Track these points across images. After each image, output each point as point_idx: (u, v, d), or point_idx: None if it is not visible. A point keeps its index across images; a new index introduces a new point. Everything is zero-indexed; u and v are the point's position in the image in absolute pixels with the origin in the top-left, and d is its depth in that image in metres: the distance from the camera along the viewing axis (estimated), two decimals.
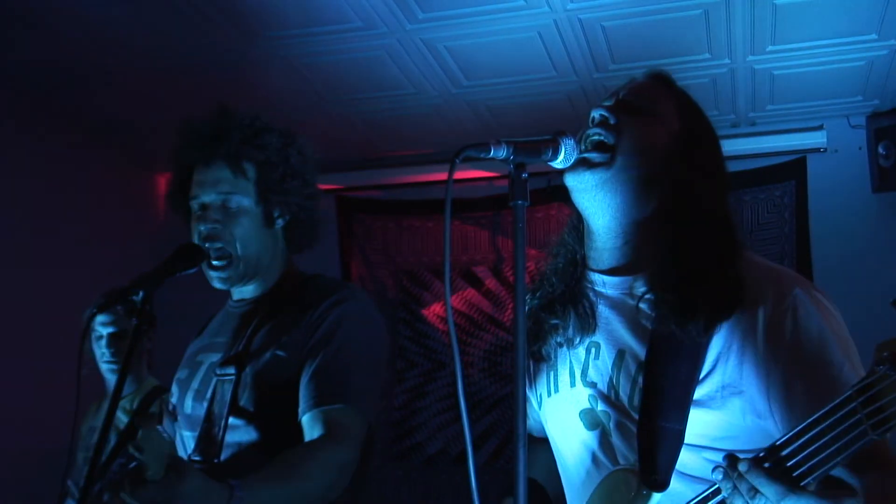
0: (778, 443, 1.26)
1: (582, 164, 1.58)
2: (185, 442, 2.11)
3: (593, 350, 1.65)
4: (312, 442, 1.90)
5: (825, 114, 4.50)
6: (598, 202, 1.62)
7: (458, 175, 1.26)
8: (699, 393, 1.49)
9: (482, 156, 1.37)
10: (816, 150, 4.52)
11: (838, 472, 1.28)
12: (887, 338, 1.15)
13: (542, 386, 1.75)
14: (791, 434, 1.24)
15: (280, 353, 2.03)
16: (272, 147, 2.17)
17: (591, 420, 1.63)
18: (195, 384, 2.14)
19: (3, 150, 4.27)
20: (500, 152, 1.37)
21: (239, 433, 2.01)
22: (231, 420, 2.00)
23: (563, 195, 1.69)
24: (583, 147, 1.58)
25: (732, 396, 1.48)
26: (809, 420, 1.22)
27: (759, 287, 1.50)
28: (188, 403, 2.13)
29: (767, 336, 1.46)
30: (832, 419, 1.18)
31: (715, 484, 1.36)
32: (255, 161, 2.14)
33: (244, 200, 2.12)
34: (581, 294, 1.69)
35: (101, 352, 3.49)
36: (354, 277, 5.17)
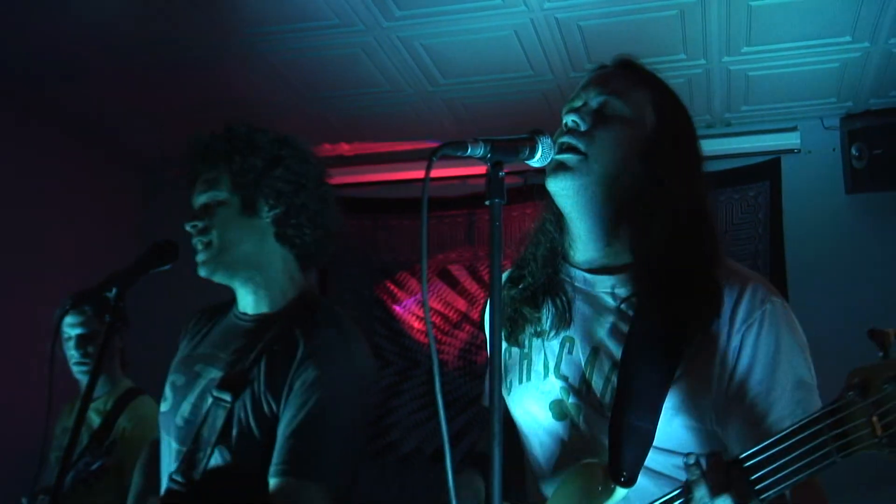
0: (741, 456, 1.29)
1: (560, 168, 1.58)
2: (171, 452, 2.12)
3: (567, 344, 1.66)
4: None
5: (799, 115, 4.53)
6: (579, 206, 1.62)
7: (435, 173, 1.25)
8: (671, 397, 1.51)
9: (459, 154, 1.37)
10: (790, 151, 4.55)
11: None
12: (862, 363, 1.18)
13: (513, 372, 1.75)
14: (756, 448, 1.27)
15: (269, 398, 2.03)
16: (239, 136, 2.20)
17: (559, 411, 1.64)
18: (192, 397, 2.13)
19: None
20: (478, 151, 1.37)
21: (220, 461, 2.03)
22: (216, 450, 2.02)
23: (540, 194, 1.69)
24: (556, 151, 1.58)
25: (701, 401, 1.50)
26: (777, 436, 1.24)
27: (735, 296, 1.53)
28: (183, 414, 2.13)
29: (730, 348, 1.50)
30: (800, 437, 1.21)
31: (679, 487, 1.38)
32: (224, 152, 2.18)
33: (220, 193, 2.17)
34: (559, 287, 1.69)
35: (71, 353, 3.45)
36: (330, 276, 5.15)
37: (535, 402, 1.69)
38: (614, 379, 1.55)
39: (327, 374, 2.02)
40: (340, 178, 4.98)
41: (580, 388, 1.61)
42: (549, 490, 1.64)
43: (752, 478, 1.26)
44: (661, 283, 1.54)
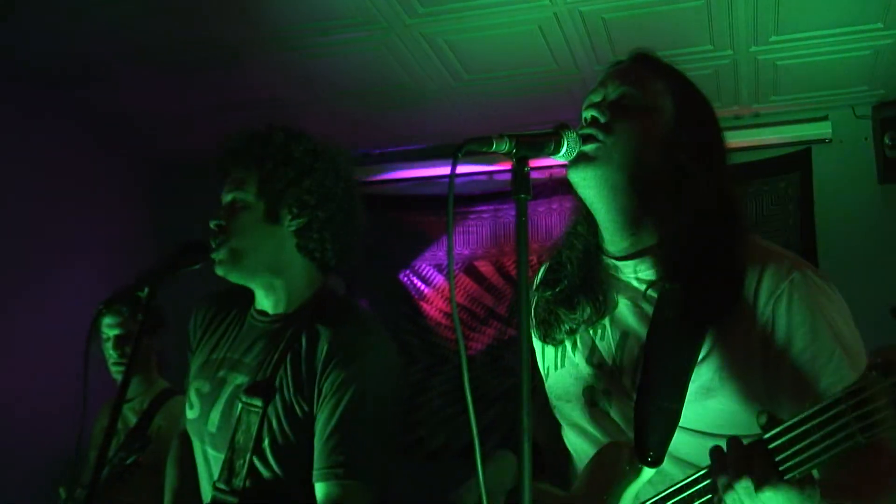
0: (766, 436, 1.28)
1: (582, 159, 1.59)
2: (211, 462, 2.15)
3: (599, 331, 1.71)
4: None
5: (830, 104, 4.47)
6: (601, 196, 1.63)
7: (460, 169, 1.25)
8: (696, 379, 1.52)
9: (484, 150, 1.37)
10: (821, 141, 4.49)
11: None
12: (886, 342, 1.17)
13: (548, 360, 1.81)
14: (780, 429, 1.26)
15: (300, 400, 2.05)
16: (275, 142, 2.20)
17: (592, 396, 1.69)
18: (220, 405, 2.15)
19: (7, 146, 4.27)
20: (503, 146, 1.37)
21: (260, 468, 2.06)
22: (254, 458, 2.05)
23: (565, 189, 1.70)
24: (580, 142, 1.59)
25: (727, 382, 1.51)
26: (799, 417, 1.23)
27: (757, 273, 1.53)
28: (214, 421, 2.15)
29: (762, 324, 1.49)
30: (822, 418, 1.20)
31: (703, 468, 1.38)
32: (257, 157, 2.19)
33: (247, 196, 2.18)
34: (595, 281, 1.72)
35: (109, 353, 3.50)
36: (356, 274, 5.15)
37: (569, 388, 1.74)
38: (641, 361, 1.59)
39: (354, 371, 2.03)
40: (366, 175, 5.06)
41: (611, 374, 1.66)
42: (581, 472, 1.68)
43: (778, 458, 1.24)
44: (683, 265, 1.56)
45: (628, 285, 1.68)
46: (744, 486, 1.25)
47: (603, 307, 1.69)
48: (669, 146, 1.62)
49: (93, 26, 3.68)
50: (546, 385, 1.84)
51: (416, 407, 4.95)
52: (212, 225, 2.18)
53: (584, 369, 1.71)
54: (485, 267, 5.00)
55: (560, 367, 1.77)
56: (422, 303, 5.08)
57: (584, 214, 1.76)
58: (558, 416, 1.81)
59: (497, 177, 4.92)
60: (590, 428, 1.70)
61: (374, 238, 5.14)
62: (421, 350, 5.02)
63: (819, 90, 4.33)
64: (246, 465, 2.02)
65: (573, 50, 3.88)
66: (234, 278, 2.19)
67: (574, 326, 1.73)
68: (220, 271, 2.17)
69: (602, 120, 1.62)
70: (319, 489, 1.98)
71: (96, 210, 4.89)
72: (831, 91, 4.34)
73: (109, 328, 3.48)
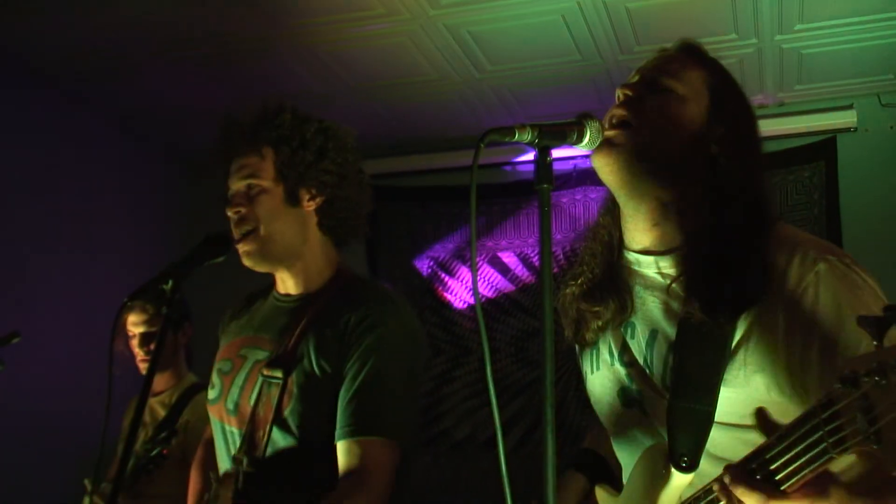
0: (763, 446, 1.26)
1: (605, 144, 1.56)
2: (231, 437, 2.16)
3: (629, 330, 1.67)
4: (345, 492, 1.95)
5: (855, 93, 4.43)
6: (624, 183, 1.60)
7: (483, 160, 1.25)
8: (726, 373, 1.49)
9: (507, 140, 1.36)
10: (846, 130, 4.45)
11: None
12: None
13: (586, 364, 1.79)
14: (773, 438, 1.23)
15: (323, 364, 2.06)
16: (286, 125, 2.21)
17: (627, 398, 1.66)
18: (240, 380, 2.17)
19: (37, 142, 4.33)
20: (525, 136, 1.37)
21: (281, 438, 2.06)
22: (274, 427, 2.05)
23: (589, 179, 1.69)
24: (606, 127, 1.58)
25: (755, 374, 1.47)
26: (786, 428, 1.21)
27: (784, 263, 1.48)
28: (233, 397, 2.16)
29: (789, 315, 1.45)
30: (800, 432, 1.16)
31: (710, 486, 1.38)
32: (270, 140, 2.19)
33: (264, 181, 2.17)
34: (619, 277, 1.69)
35: (136, 350, 3.52)
36: (380, 265, 5.17)
37: (605, 391, 1.72)
38: (671, 360, 1.55)
39: (379, 337, 2.06)
40: (389, 166, 5.07)
41: (642, 373, 1.62)
42: (625, 477, 1.68)
43: (772, 467, 1.22)
44: (710, 261, 1.52)
45: (653, 281, 1.64)
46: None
47: (629, 303, 1.66)
48: (701, 138, 1.59)
49: (119, 20, 3.72)
50: (587, 389, 1.82)
51: (440, 398, 4.97)
52: (230, 214, 2.17)
53: (618, 370, 1.69)
54: (508, 257, 5.00)
55: (596, 370, 1.75)
56: (445, 294, 5.09)
57: (609, 205, 1.74)
58: (600, 418, 1.80)
59: (520, 167, 4.92)
60: (626, 430, 1.68)
61: (397, 229, 5.14)
62: (445, 341, 5.03)
63: (844, 79, 4.29)
64: (266, 436, 2.03)
65: (597, 40, 3.86)
66: (263, 268, 2.21)
67: (602, 324, 1.71)
68: (249, 262, 2.18)
69: (633, 99, 1.60)
70: (341, 447, 1.99)
71: (124, 204, 4.94)
72: (856, 79, 4.30)
73: (134, 325, 3.51)
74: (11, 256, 4.15)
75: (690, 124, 1.60)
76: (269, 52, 4.01)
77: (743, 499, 1.24)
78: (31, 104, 4.30)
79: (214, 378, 2.25)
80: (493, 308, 4.96)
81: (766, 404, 1.50)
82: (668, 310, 1.60)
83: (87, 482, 3.20)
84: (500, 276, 4.99)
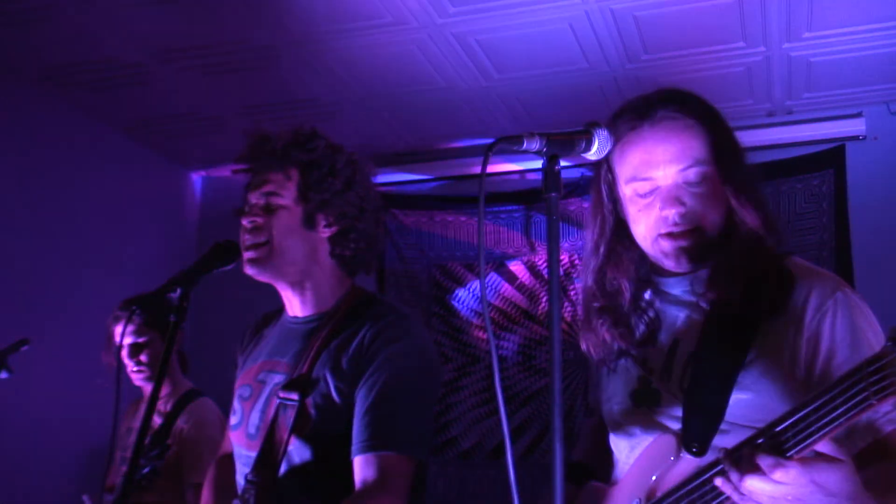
0: (774, 420, 1.36)
1: (668, 237, 1.68)
2: (243, 461, 2.17)
3: (653, 340, 1.78)
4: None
5: (864, 100, 4.42)
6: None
7: (491, 168, 1.25)
8: (740, 378, 1.61)
9: (515, 149, 1.38)
10: (855, 138, 4.44)
11: None
12: None
13: (602, 368, 1.89)
14: (789, 410, 1.35)
15: (338, 384, 2.08)
16: (318, 150, 2.22)
17: (639, 397, 1.75)
18: (259, 405, 2.18)
19: (46, 150, 4.35)
20: (534, 145, 1.38)
21: (297, 459, 2.08)
22: (290, 448, 2.07)
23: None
24: (665, 232, 1.68)
25: (770, 384, 1.59)
26: (817, 392, 1.32)
27: (805, 289, 1.62)
28: (254, 422, 2.17)
29: (807, 335, 1.58)
30: (840, 388, 1.28)
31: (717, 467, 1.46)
32: (300, 162, 2.20)
33: (285, 199, 2.18)
34: (646, 300, 1.80)
35: (126, 361, 3.51)
36: (388, 273, 5.18)
37: (619, 390, 1.81)
38: (690, 368, 1.67)
39: (392, 353, 2.07)
40: (397, 174, 5.08)
41: (661, 378, 1.72)
42: (622, 470, 1.78)
43: (782, 438, 1.33)
44: (734, 283, 1.64)
45: (679, 299, 1.75)
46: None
47: (657, 325, 1.77)
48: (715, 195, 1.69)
49: (128, 29, 3.73)
50: (599, 386, 1.91)
51: (448, 407, 4.96)
52: (245, 222, 2.18)
53: (634, 372, 1.78)
54: (516, 266, 5.00)
55: (612, 372, 1.84)
56: (453, 302, 5.09)
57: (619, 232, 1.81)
58: (605, 418, 1.86)
59: (528, 176, 4.92)
60: (630, 426, 1.76)
61: (405, 237, 5.15)
62: (453, 350, 5.02)
63: (853, 86, 4.28)
64: (281, 457, 2.04)
65: (604, 48, 3.87)
66: (265, 277, 2.21)
67: (627, 348, 1.79)
68: (251, 270, 2.18)
69: (682, 210, 1.66)
70: (357, 462, 1.99)
71: (132, 212, 4.95)
72: (865, 87, 4.28)
73: (121, 337, 3.49)
74: (19, 264, 4.16)
75: (720, 192, 1.69)
76: (278, 60, 4.02)
77: (747, 481, 1.34)
78: (40, 113, 4.32)
79: (236, 404, 2.27)
80: (500, 317, 4.95)
81: (776, 411, 1.53)
82: (690, 322, 1.72)
83: (84, 499, 3.19)
84: (507, 285, 4.99)
